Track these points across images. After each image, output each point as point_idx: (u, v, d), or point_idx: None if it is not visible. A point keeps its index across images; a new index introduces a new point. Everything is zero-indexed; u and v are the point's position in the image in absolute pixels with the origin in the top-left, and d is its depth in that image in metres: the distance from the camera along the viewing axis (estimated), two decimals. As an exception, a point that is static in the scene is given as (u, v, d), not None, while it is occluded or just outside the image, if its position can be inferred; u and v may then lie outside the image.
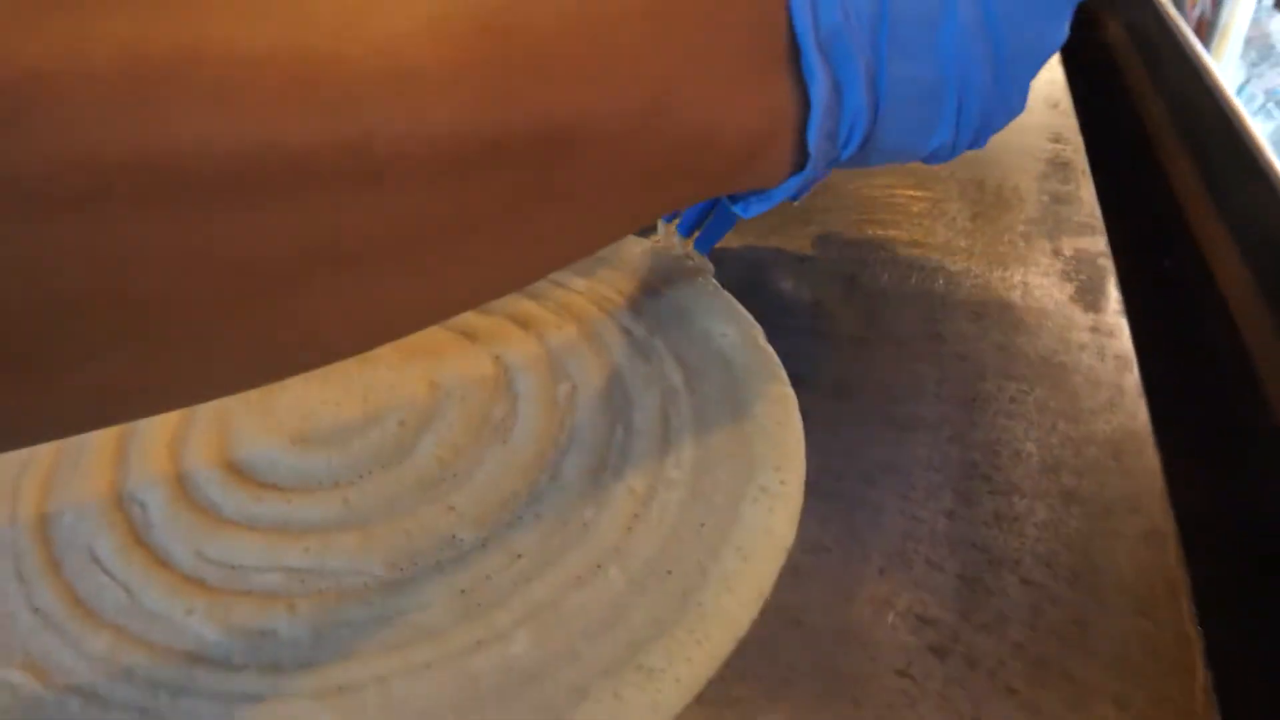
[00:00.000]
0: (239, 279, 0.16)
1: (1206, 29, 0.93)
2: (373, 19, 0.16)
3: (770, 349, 0.32)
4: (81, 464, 0.28)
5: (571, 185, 0.20)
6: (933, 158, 0.28)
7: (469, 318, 0.34)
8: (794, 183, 0.26)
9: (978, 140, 0.28)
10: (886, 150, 0.26)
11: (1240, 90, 0.90)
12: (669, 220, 0.38)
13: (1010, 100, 0.26)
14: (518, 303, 0.35)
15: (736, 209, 0.29)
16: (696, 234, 0.37)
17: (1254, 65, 0.91)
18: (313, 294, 0.17)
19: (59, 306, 0.14)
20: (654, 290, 0.36)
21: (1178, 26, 0.56)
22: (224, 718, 0.22)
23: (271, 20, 0.15)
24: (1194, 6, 0.92)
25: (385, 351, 0.32)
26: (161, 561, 0.26)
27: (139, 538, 0.26)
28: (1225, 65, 0.93)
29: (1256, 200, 0.41)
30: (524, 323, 0.34)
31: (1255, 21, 0.95)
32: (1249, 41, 0.93)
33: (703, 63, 0.21)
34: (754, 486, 0.27)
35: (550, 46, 0.19)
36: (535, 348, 0.33)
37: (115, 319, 0.15)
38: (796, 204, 0.33)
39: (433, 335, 0.33)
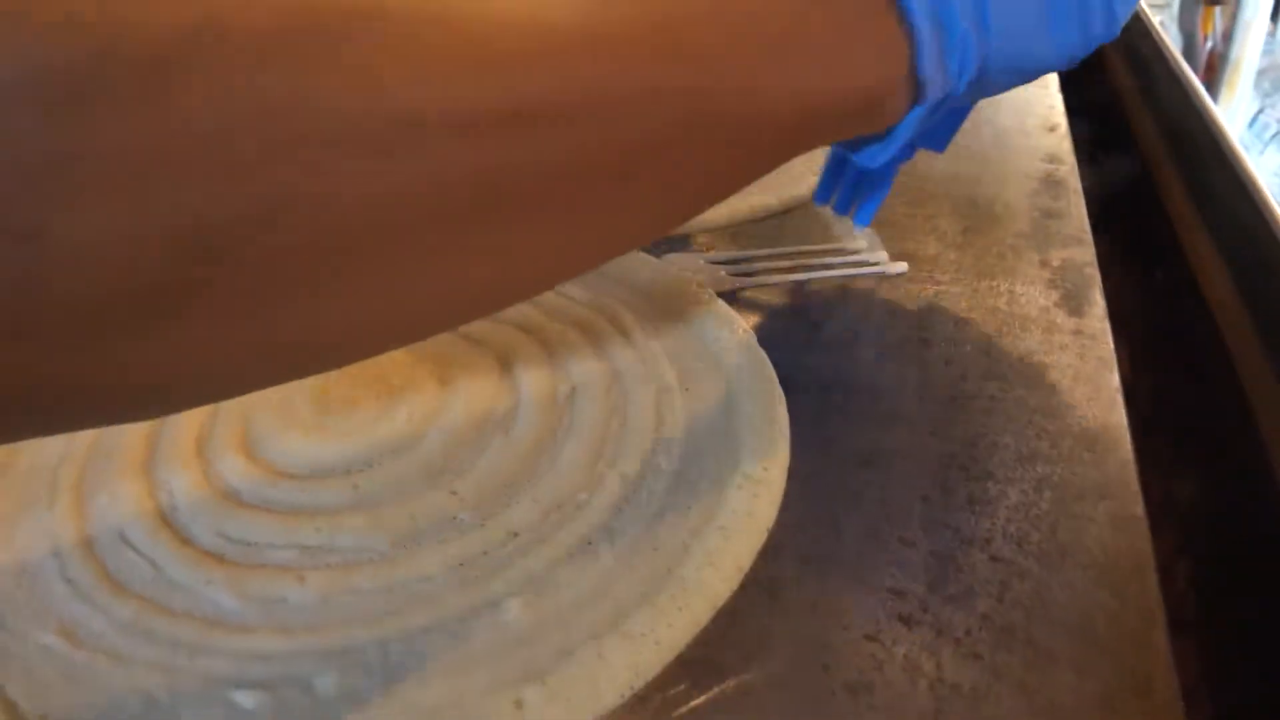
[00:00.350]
0: (418, 221, 0.17)
1: (1219, 63, 0.95)
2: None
3: (760, 351, 0.34)
4: (115, 457, 0.31)
5: (711, 134, 0.21)
6: (1065, 58, 0.28)
7: (476, 325, 0.36)
8: (912, 120, 0.27)
9: (1111, 28, 0.28)
10: (1009, 66, 0.27)
11: (1254, 120, 0.91)
12: (823, 203, 0.39)
13: None
14: (522, 311, 0.37)
15: (860, 159, 0.30)
16: (852, 210, 0.38)
17: (1267, 95, 0.92)
18: (492, 231, 0.18)
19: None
20: (653, 299, 0.38)
21: (1172, 54, 0.58)
22: (237, 674, 0.24)
23: None
24: (1206, 40, 0.94)
25: (397, 354, 0.34)
26: (185, 540, 0.28)
27: (165, 519, 0.28)
28: (1239, 97, 0.94)
29: (1240, 215, 0.43)
30: (528, 329, 0.36)
31: (1268, 53, 0.96)
32: (1262, 73, 0.94)
33: (814, 19, 0.23)
34: (739, 474, 0.29)
35: (685, 21, 0.20)
36: (538, 351, 0.35)
37: (314, 263, 0.16)
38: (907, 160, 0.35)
39: (441, 340, 0.35)
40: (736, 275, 0.40)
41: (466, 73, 0.16)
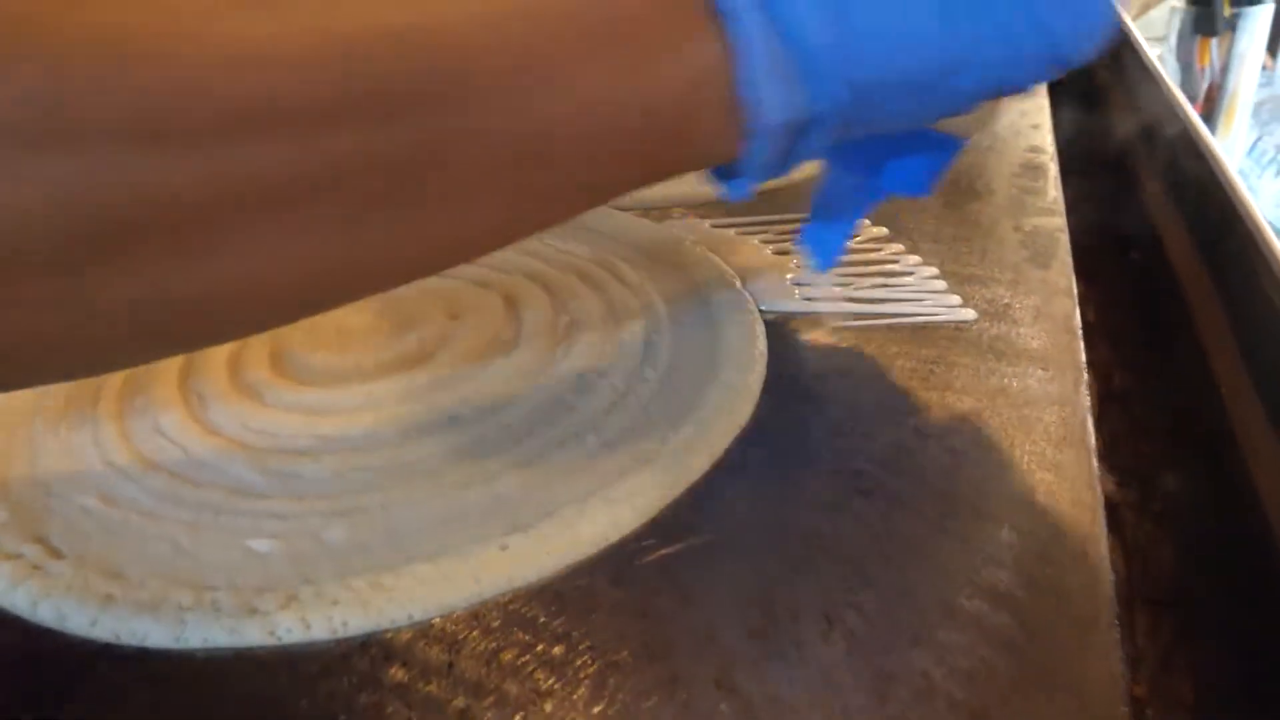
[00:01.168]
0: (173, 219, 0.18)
1: (1217, 94, 0.97)
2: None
3: (745, 293, 0.37)
4: (156, 370, 0.34)
5: (483, 151, 0.20)
6: (995, 79, 0.24)
7: (484, 273, 0.39)
8: (758, 154, 0.23)
9: (1050, 40, 0.23)
10: (906, 81, 0.23)
11: (1252, 147, 0.94)
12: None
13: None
14: (527, 262, 0.40)
15: (730, 189, 0.26)
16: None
17: (1265, 125, 0.95)
18: (239, 233, 0.19)
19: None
20: (650, 253, 0.41)
21: (1153, 64, 0.61)
22: (255, 528, 0.26)
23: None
24: (1203, 71, 0.97)
25: (410, 292, 0.37)
26: (213, 431, 0.30)
27: (196, 416, 0.31)
28: (1237, 127, 0.97)
29: (1212, 202, 0.45)
30: (532, 276, 0.39)
31: (1267, 85, 0.99)
32: (1260, 104, 0.97)
33: (602, 27, 0.21)
34: (718, 383, 0.31)
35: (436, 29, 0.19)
36: (540, 292, 0.38)
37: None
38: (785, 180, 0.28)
39: (451, 284, 0.38)
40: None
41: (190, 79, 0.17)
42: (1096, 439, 0.29)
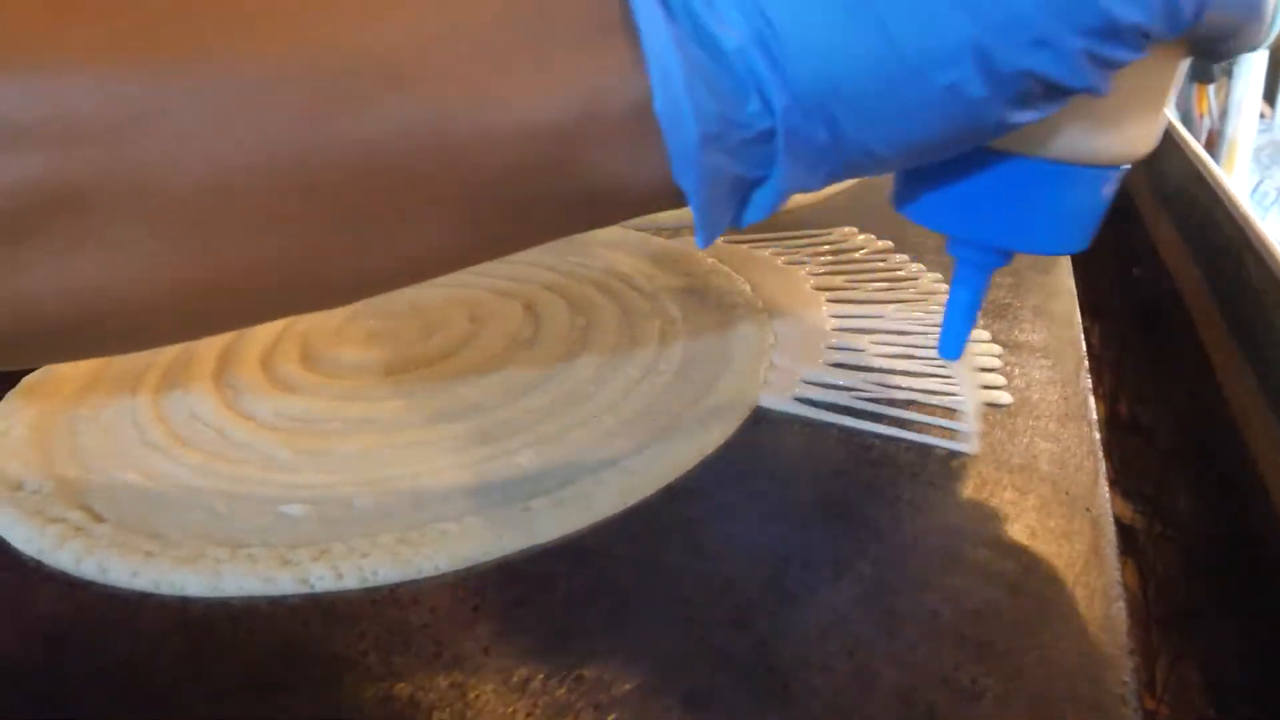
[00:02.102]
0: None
1: (1217, 140, 1.00)
2: None
3: (754, 294, 0.38)
4: (192, 363, 0.35)
5: (334, 166, 0.18)
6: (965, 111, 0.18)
7: (504, 284, 0.41)
8: (690, 178, 0.18)
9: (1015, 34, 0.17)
10: (870, 107, 0.18)
11: (1255, 189, 0.96)
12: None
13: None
14: (544, 274, 0.42)
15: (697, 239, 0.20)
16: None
17: (1266, 168, 0.97)
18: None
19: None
20: (663, 264, 0.42)
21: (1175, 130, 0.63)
22: (288, 496, 0.27)
23: None
24: (1203, 119, 0.99)
25: (433, 299, 0.39)
26: (247, 417, 0.32)
27: (230, 405, 0.33)
28: (1238, 173, 0.99)
29: (1208, 215, 0.47)
30: (550, 286, 0.40)
31: (1266, 131, 1.01)
32: (1260, 149, 0.99)
33: (481, 36, 0.18)
34: (730, 371, 0.33)
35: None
36: (558, 299, 0.39)
37: None
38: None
39: (472, 293, 0.40)
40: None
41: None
42: (1108, 465, 0.30)
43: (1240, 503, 0.41)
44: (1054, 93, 0.18)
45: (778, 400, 0.31)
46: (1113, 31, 0.17)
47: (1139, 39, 0.17)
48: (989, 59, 0.17)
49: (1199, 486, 0.48)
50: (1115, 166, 0.22)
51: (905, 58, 0.17)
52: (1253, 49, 0.20)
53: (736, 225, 0.20)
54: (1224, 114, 0.97)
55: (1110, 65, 0.18)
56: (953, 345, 0.26)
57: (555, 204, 0.20)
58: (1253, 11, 0.19)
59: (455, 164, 0.18)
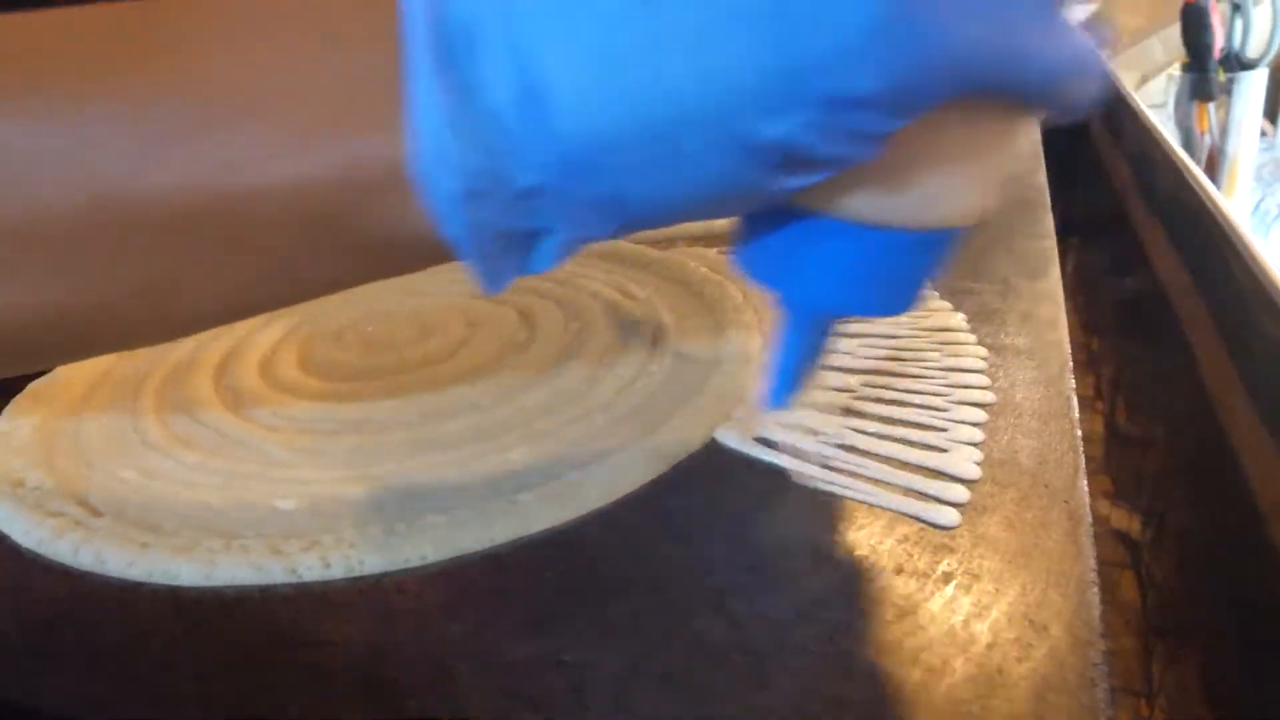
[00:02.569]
0: None
1: (1218, 158, 1.00)
2: None
3: (745, 301, 0.39)
4: (192, 369, 0.36)
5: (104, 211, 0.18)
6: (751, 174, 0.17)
7: (503, 290, 0.41)
8: (458, 231, 0.18)
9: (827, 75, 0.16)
10: (635, 164, 0.17)
11: (1256, 207, 0.96)
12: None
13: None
14: (540, 284, 0.42)
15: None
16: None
17: (1268, 185, 0.97)
18: None
19: None
20: (657, 272, 0.43)
21: (1139, 106, 0.64)
22: (282, 491, 0.28)
23: None
24: (1204, 136, 1.00)
25: (428, 306, 0.40)
26: (245, 419, 0.33)
27: (230, 407, 0.33)
28: (1239, 191, 0.99)
29: (1202, 230, 0.47)
30: (544, 294, 0.41)
31: (1269, 149, 1.01)
32: (1262, 166, 0.99)
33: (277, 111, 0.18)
34: (719, 372, 0.33)
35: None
36: (553, 306, 0.40)
37: None
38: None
39: (467, 301, 0.41)
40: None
41: None
42: (1109, 480, 0.31)
43: (1233, 513, 0.41)
44: (816, 159, 0.17)
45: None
46: (845, 103, 0.16)
47: (885, 109, 0.16)
48: (727, 126, 0.16)
49: (1197, 497, 0.48)
50: (926, 231, 0.20)
51: (655, 120, 0.16)
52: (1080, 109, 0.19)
53: (525, 274, 0.20)
54: (1225, 132, 0.98)
55: (866, 135, 0.17)
56: (782, 395, 0.24)
57: (348, 253, 0.20)
58: (1054, 82, 0.18)
59: (237, 212, 0.19)
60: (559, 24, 0.16)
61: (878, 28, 0.15)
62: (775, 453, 0.29)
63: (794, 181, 0.17)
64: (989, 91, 0.17)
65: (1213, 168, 1.01)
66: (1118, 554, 0.63)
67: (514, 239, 0.19)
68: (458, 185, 0.17)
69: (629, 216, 0.18)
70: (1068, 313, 0.79)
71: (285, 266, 0.20)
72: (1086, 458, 0.62)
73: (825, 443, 0.29)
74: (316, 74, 0.18)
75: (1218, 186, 1.00)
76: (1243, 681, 0.37)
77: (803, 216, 0.20)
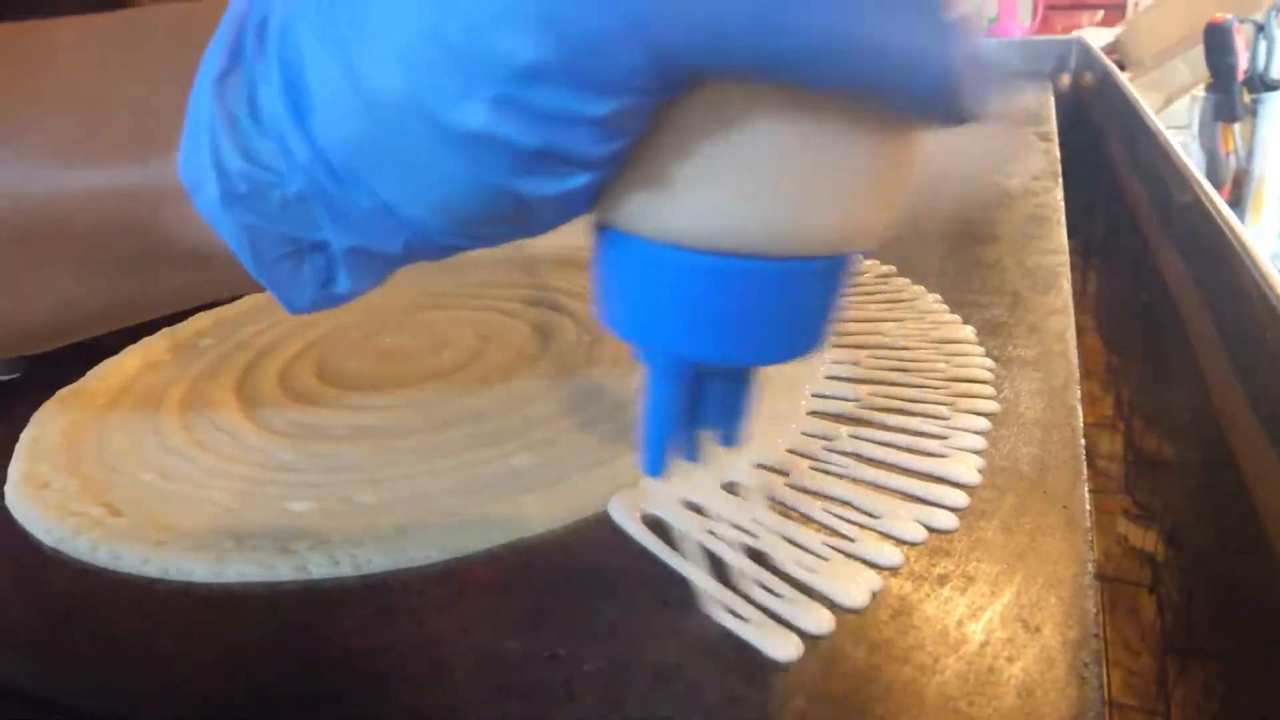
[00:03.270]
0: None
1: (1244, 179, 1.00)
2: None
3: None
4: (216, 379, 0.37)
5: None
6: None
7: (512, 306, 0.42)
8: (230, 237, 0.18)
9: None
10: (378, 167, 0.16)
11: (1284, 227, 0.95)
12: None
13: None
14: (555, 299, 0.43)
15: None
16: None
17: (1297, 203, 0.96)
18: None
19: None
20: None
21: (1153, 121, 0.64)
22: (294, 494, 0.29)
23: None
24: (1228, 157, 0.99)
25: (441, 319, 0.41)
26: (262, 426, 0.33)
27: (249, 415, 0.34)
28: (1266, 211, 0.98)
29: (1216, 253, 0.47)
30: (557, 307, 0.42)
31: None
32: (1292, 184, 0.98)
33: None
34: (725, 383, 0.34)
35: None
36: (564, 318, 0.40)
37: None
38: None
39: (480, 315, 0.42)
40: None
41: None
42: (1131, 500, 0.31)
43: (1245, 534, 0.41)
44: (540, 152, 0.15)
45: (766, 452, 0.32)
46: (522, 75, 0.14)
47: (571, 83, 0.14)
48: (430, 112, 0.15)
49: (1215, 519, 0.48)
50: (780, 259, 0.17)
51: (382, 116, 0.15)
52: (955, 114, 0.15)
53: (332, 295, 0.19)
54: (1250, 152, 0.97)
55: (570, 117, 0.15)
56: (654, 461, 0.21)
57: (163, 264, 0.20)
58: (897, 74, 0.15)
59: (48, 221, 0.19)
60: (316, 18, 0.15)
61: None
62: (656, 540, 0.25)
63: (548, 186, 0.16)
64: (758, 73, 0.15)
65: (1238, 188, 1.00)
66: (1138, 572, 0.62)
67: (301, 252, 0.18)
68: (215, 189, 0.17)
69: (407, 228, 0.17)
70: (1090, 330, 0.80)
71: (107, 279, 0.20)
72: (1107, 477, 0.62)
73: (717, 528, 0.26)
74: (132, 89, 0.19)
75: (1243, 207, 1.00)
76: (1257, 701, 0.37)
77: (637, 248, 0.17)
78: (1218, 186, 1.02)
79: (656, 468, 0.21)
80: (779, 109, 0.15)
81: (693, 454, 0.22)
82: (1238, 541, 0.44)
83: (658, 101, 0.15)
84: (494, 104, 0.15)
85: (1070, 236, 0.58)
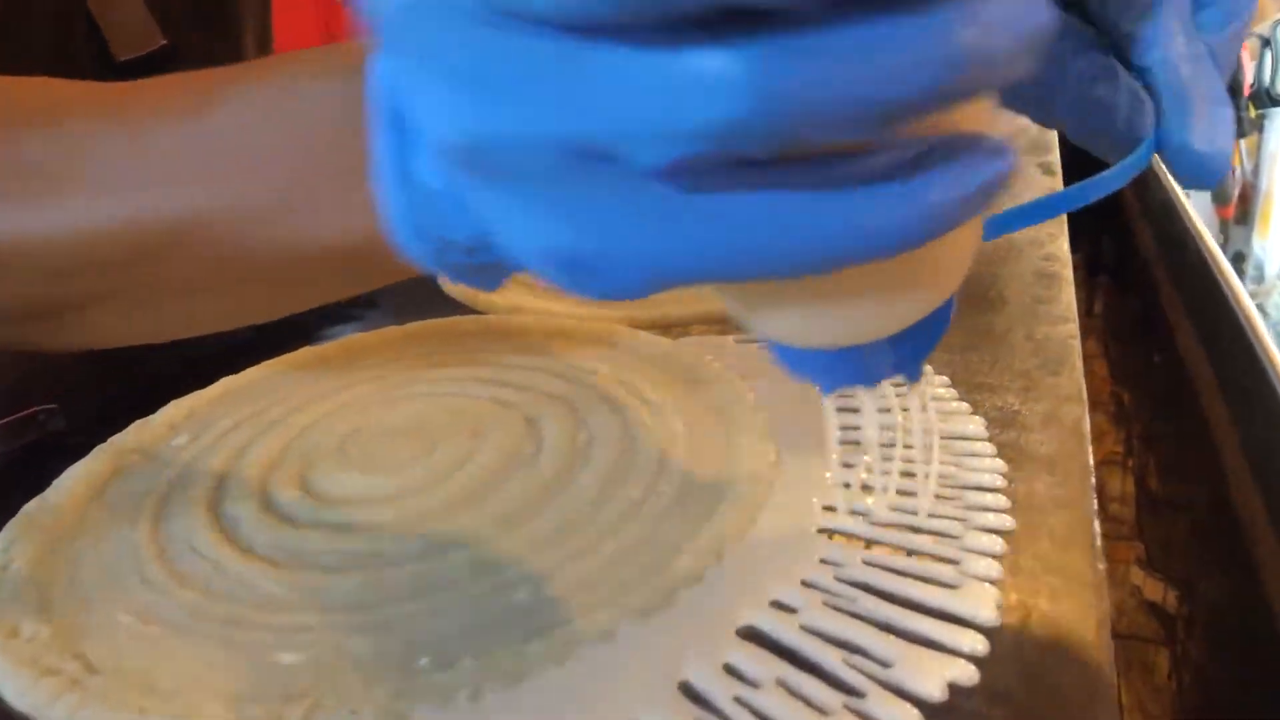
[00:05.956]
0: None
1: (1251, 194, 0.98)
2: None
3: (760, 407, 0.38)
4: (190, 490, 0.36)
5: (188, 277, 0.26)
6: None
7: (506, 393, 0.41)
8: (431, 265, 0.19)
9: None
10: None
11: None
12: None
13: None
14: (549, 382, 0.42)
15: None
16: None
17: (1303, 222, 0.95)
18: None
19: None
20: (669, 369, 0.42)
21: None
22: (283, 642, 0.27)
23: None
24: (1235, 172, 0.98)
25: (434, 413, 0.39)
26: (244, 550, 0.32)
27: (229, 537, 0.33)
28: (1274, 228, 0.97)
29: (1218, 311, 0.46)
30: (553, 395, 0.41)
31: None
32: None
33: (328, 167, 0.23)
34: (724, 504, 0.32)
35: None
36: (562, 410, 0.39)
37: None
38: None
39: (473, 405, 0.40)
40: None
41: None
42: (1144, 547, 0.30)
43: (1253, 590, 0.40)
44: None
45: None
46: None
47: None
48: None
49: (1230, 575, 0.46)
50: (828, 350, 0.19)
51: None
52: None
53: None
54: (1257, 168, 0.96)
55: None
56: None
57: (375, 276, 0.28)
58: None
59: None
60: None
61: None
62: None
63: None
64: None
65: (1244, 204, 0.99)
66: (1152, 629, 0.61)
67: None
68: (424, 248, 0.18)
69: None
70: (1097, 356, 0.78)
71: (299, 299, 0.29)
72: (1117, 521, 0.61)
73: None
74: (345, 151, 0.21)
75: (1248, 225, 0.98)
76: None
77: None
78: (1224, 203, 1.01)
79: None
80: None
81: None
82: (1252, 601, 0.43)
83: None
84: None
85: (1074, 251, 0.57)
